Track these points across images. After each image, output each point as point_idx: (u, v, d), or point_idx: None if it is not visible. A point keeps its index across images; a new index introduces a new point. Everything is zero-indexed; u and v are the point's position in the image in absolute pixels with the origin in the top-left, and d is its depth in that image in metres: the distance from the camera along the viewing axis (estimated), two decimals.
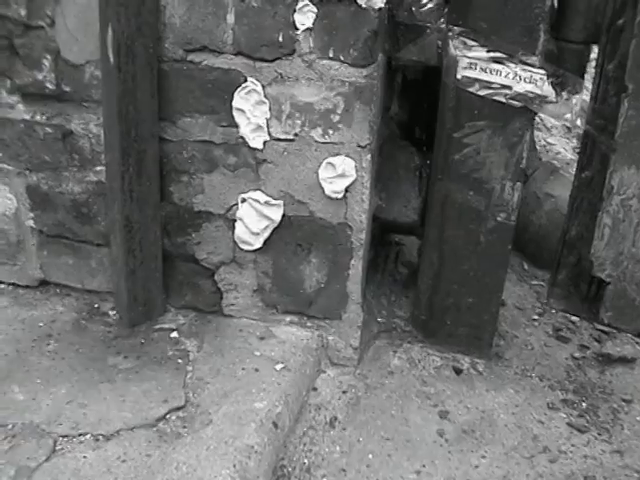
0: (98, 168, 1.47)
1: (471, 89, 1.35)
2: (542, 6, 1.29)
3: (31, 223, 1.55)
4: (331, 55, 1.30)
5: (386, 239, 1.61)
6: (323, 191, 1.38)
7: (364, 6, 1.27)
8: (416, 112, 1.63)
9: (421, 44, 1.38)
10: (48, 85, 1.43)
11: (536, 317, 1.65)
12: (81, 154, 1.47)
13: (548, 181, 1.76)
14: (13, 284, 1.62)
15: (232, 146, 1.38)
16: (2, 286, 1.63)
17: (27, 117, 1.47)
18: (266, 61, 1.32)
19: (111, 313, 1.55)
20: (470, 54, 1.33)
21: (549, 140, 2.41)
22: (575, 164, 1.50)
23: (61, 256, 1.57)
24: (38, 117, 1.47)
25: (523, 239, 1.73)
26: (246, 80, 1.33)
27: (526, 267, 1.82)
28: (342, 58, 1.30)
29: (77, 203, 1.51)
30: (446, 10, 1.39)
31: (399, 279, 1.62)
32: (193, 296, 1.53)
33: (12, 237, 1.58)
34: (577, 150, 2.26)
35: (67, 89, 1.43)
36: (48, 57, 1.42)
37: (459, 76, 1.35)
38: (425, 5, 1.40)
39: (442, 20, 1.38)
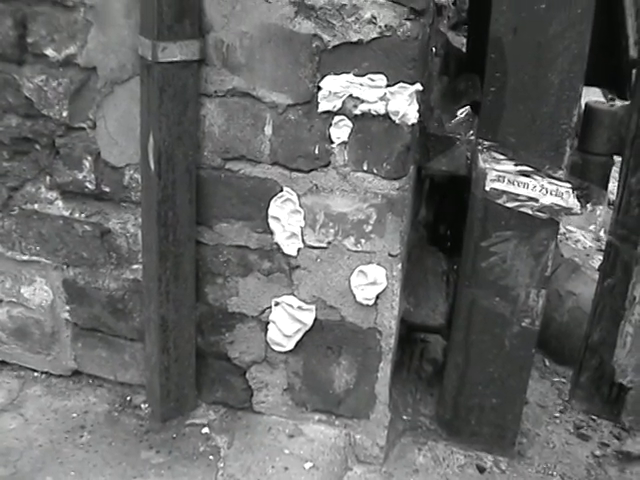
0: (135, 266, 1.41)
1: (499, 201, 1.30)
2: (568, 122, 1.26)
3: (66, 315, 1.49)
4: (365, 168, 1.27)
5: (412, 336, 1.56)
6: (354, 297, 1.31)
7: (398, 122, 1.23)
8: (442, 213, 1.60)
9: (451, 155, 1.35)
10: (88, 185, 1.39)
11: (557, 414, 1.56)
12: (118, 252, 1.42)
13: (570, 279, 1.71)
14: (47, 373, 1.55)
15: (267, 252, 1.32)
16: (36, 374, 1.55)
17: (66, 214, 1.43)
18: (302, 172, 1.27)
19: (143, 406, 1.47)
20: (499, 167, 1.30)
21: (568, 227, 2.36)
22: (596, 256, 1.47)
23: (95, 349, 1.50)
24: (77, 214, 1.42)
25: (545, 336, 1.65)
26: (282, 190, 1.29)
27: (548, 364, 1.72)
28: (375, 171, 1.26)
29: (113, 299, 1.45)
30: (475, 122, 1.38)
31: (424, 377, 1.55)
32: (224, 392, 1.45)
33: (47, 328, 1.51)
34: (596, 238, 2.21)
35: (106, 189, 1.38)
36: (88, 158, 1.38)
37: (488, 188, 1.31)
38: (455, 117, 1.39)
39: (471, 132, 1.36)
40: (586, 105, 1.30)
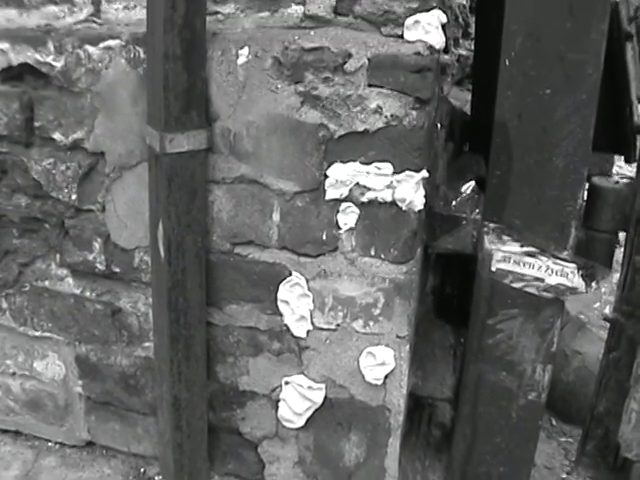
0: (146, 344, 1.41)
1: (505, 281, 1.30)
2: (574, 205, 1.25)
3: (79, 389, 1.49)
4: (372, 253, 1.26)
5: (419, 402, 1.56)
6: (363, 377, 1.30)
7: (404, 209, 1.23)
8: (449, 275, 1.60)
9: (457, 235, 1.35)
10: (98, 265, 1.39)
11: (564, 476, 1.57)
12: (129, 330, 1.42)
13: (576, 338, 1.71)
14: (60, 443, 1.55)
15: (277, 333, 1.32)
16: (50, 444, 1.56)
17: (77, 292, 1.43)
18: (310, 257, 1.27)
19: (157, 478, 1.48)
20: (504, 248, 1.30)
21: None
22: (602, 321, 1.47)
23: (108, 422, 1.50)
24: (88, 293, 1.42)
25: (551, 396, 1.64)
26: (291, 274, 1.29)
27: (554, 423, 1.73)
28: (383, 256, 1.25)
29: (125, 375, 1.44)
30: (481, 199, 1.38)
31: (432, 442, 1.55)
32: (236, 465, 1.45)
33: (60, 401, 1.52)
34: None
35: (117, 270, 1.38)
36: (98, 240, 1.38)
37: (494, 268, 1.31)
38: (460, 194, 1.39)
39: (477, 211, 1.36)
40: (591, 182, 1.30)
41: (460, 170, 1.44)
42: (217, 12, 1.25)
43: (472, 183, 1.35)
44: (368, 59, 1.17)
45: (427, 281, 1.46)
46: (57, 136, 1.32)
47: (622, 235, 1.33)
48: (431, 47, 1.18)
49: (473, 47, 1.62)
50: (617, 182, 1.30)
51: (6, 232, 1.43)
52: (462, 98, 1.76)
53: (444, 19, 1.21)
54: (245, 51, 1.21)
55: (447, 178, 1.42)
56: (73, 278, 1.42)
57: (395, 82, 1.17)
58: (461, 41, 1.86)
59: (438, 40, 1.19)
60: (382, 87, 1.17)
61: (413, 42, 1.17)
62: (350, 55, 1.17)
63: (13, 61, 1.31)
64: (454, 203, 1.31)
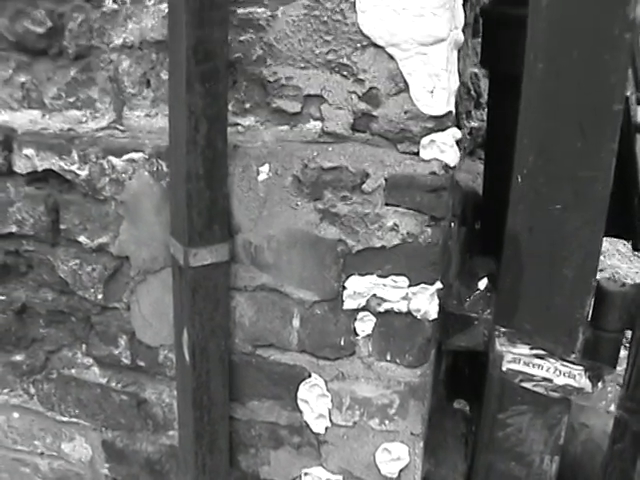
0: (170, 433, 1.48)
1: (515, 380, 1.37)
2: (582, 312, 1.32)
3: (106, 471, 1.57)
4: (388, 358, 1.33)
5: None
6: (379, 471, 1.38)
7: (419, 318, 1.30)
8: (460, 358, 1.68)
9: (469, 334, 1.42)
10: (124, 360, 1.46)
11: None
12: (154, 420, 1.49)
13: (583, 411, 1.78)
14: None
15: (296, 428, 1.39)
16: None
17: (103, 381, 1.50)
18: (329, 360, 1.34)
19: None
20: (515, 350, 1.37)
21: None
22: None
23: None
24: (113, 383, 1.49)
25: (559, 469, 1.75)
26: (310, 375, 1.36)
27: None
28: (398, 361, 1.32)
29: (150, 461, 1.52)
30: (492, 298, 1.45)
31: None
32: None
33: None
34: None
35: (142, 364, 1.45)
36: (124, 337, 1.45)
37: (504, 368, 1.38)
38: (473, 292, 1.45)
39: (488, 311, 1.43)
40: (599, 285, 1.36)
41: (472, 267, 1.50)
42: (237, 124, 1.30)
43: (484, 281, 1.42)
44: (385, 179, 1.23)
45: (440, 371, 1.54)
46: (82, 239, 1.38)
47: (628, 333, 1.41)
48: (446, 166, 1.23)
49: (485, 135, 1.67)
50: (623, 284, 1.37)
51: (33, 322, 1.50)
52: (474, 170, 1.81)
53: (459, 135, 1.27)
54: (265, 168, 1.27)
55: (459, 274, 1.48)
56: (99, 368, 1.50)
57: (411, 201, 1.23)
58: (473, 112, 1.91)
59: (453, 158, 1.25)
60: (398, 206, 1.23)
61: (428, 161, 1.23)
62: (368, 175, 1.23)
63: (38, 167, 1.37)
64: (467, 303, 1.38)
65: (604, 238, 1.34)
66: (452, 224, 1.43)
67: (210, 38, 1.20)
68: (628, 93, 1.50)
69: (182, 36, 1.19)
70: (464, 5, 1.31)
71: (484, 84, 1.99)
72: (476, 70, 1.92)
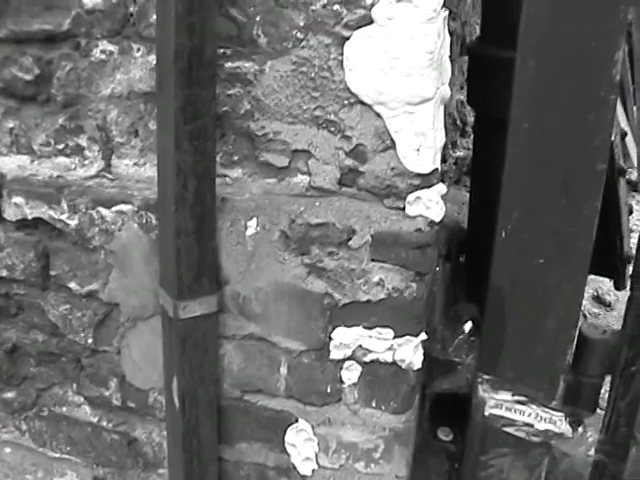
0: (161, 471, 1.53)
1: (497, 424, 1.41)
2: (562, 360, 1.36)
3: None
4: (373, 405, 1.36)
5: None
6: None
7: (404, 367, 1.34)
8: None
9: (453, 378, 1.46)
10: (114, 401, 1.49)
11: None
12: (145, 458, 1.53)
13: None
14: None
15: (284, 469, 1.43)
16: None
17: (94, 420, 1.54)
18: (315, 406, 1.37)
19: None
20: (497, 396, 1.40)
21: None
22: None
23: None
24: (104, 423, 1.53)
25: None
26: (297, 420, 1.39)
27: None
28: (383, 408, 1.36)
29: None
30: (475, 343, 1.48)
31: None
32: None
33: None
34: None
35: (132, 405, 1.49)
36: (114, 379, 1.48)
37: (487, 413, 1.42)
38: (457, 336, 1.49)
39: (471, 356, 1.47)
40: (580, 332, 1.40)
41: (456, 310, 1.53)
42: (225, 175, 1.32)
43: (468, 325, 1.46)
44: (371, 236, 1.25)
45: (424, 411, 1.58)
46: (73, 285, 1.41)
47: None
48: (432, 222, 1.26)
49: (471, 170, 1.69)
50: (605, 331, 1.41)
51: (24, 361, 1.53)
52: (459, 200, 1.84)
53: (444, 191, 1.29)
54: (253, 223, 1.29)
55: (444, 316, 1.52)
56: (90, 407, 1.53)
57: (397, 258, 1.26)
58: (459, 141, 1.93)
59: (439, 214, 1.27)
60: (384, 262, 1.26)
61: (414, 217, 1.26)
62: (354, 231, 1.26)
63: (28, 215, 1.38)
64: (451, 348, 1.42)
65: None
66: (437, 268, 1.46)
67: (198, 97, 1.22)
68: (612, 137, 1.53)
69: (170, 96, 1.21)
70: (450, 50, 1.34)
71: (470, 109, 2.02)
72: (462, 97, 1.94)
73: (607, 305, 2.96)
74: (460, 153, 1.94)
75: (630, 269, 1.52)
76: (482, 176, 1.68)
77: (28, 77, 1.37)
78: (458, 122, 1.94)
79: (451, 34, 1.42)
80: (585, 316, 2.41)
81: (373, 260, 1.27)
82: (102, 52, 1.33)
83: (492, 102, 1.55)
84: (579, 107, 1.21)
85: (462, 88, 2.04)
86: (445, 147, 1.47)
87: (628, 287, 1.54)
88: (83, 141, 1.38)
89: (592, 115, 1.21)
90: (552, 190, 1.26)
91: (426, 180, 1.24)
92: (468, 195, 1.80)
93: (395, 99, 1.22)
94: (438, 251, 1.46)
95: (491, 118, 1.57)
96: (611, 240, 1.54)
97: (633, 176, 3.33)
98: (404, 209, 1.26)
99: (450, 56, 1.34)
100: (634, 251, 1.49)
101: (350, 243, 1.26)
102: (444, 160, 1.57)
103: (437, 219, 1.27)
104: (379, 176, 1.26)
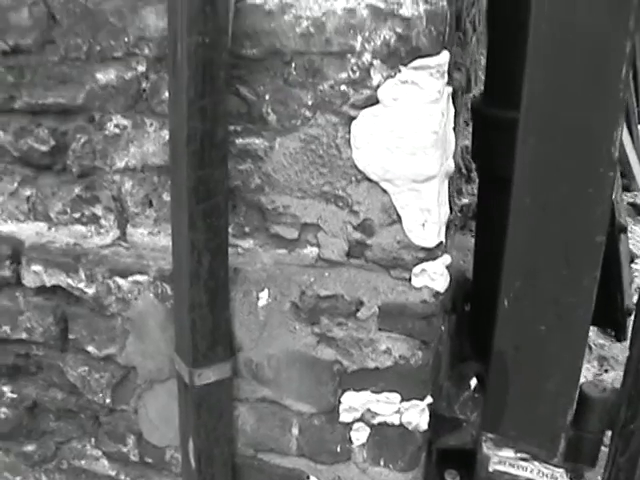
0: None
1: None
2: (564, 420, 1.41)
3: None
4: (382, 464, 1.43)
5: None
6: None
7: (411, 429, 1.40)
8: None
9: (458, 435, 1.53)
10: (132, 457, 1.57)
11: None
12: None
13: None
14: None
15: None
16: None
17: (112, 473, 1.62)
18: (326, 464, 1.44)
19: None
20: (500, 453, 1.46)
21: None
22: None
23: None
24: (122, 476, 1.61)
25: None
26: (308, 477, 1.46)
27: None
28: (391, 466, 1.43)
29: None
30: (480, 400, 1.54)
31: None
32: None
33: None
34: None
35: (149, 460, 1.56)
36: (132, 436, 1.55)
37: (491, 469, 1.48)
38: (463, 392, 1.55)
39: (476, 413, 1.53)
40: (581, 390, 1.46)
41: (462, 369, 1.59)
42: (237, 246, 1.38)
43: (474, 382, 1.52)
44: (378, 307, 1.31)
45: (431, 464, 1.64)
46: (91, 349, 1.47)
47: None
48: (437, 293, 1.32)
49: (475, 223, 1.74)
50: (604, 389, 1.46)
51: (43, 416, 1.60)
52: (465, 246, 1.89)
53: (449, 261, 1.35)
54: (265, 294, 1.35)
55: (450, 373, 1.58)
56: (108, 461, 1.60)
57: (403, 328, 1.32)
58: (464, 189, 1.98)
59: (443, 285, 1.33)
60: (391, 331, 1.33)
61: (420, 289, 1.32)
62: (362, 303, 1.32)
63: (46, 282, 1.45)
64: (456, 405, 1.48)
65: None
66: (442, 327, 1.52)
67: (211, 177, 1.28)
68: (614, 195, 1.59)
69: (183, 176, 1.26)
70: (454, 104, 1.39)
71: None
72: (467, 142, 1.98)
73: (613, 335, 3.01)
74: (465, 200, 2.00)
75: (631, 322, 1.59)
76: (486, 227, 1.74)
77: (44, 148, 1.43)
78: (463, 170, 1.99)
79: (455, 92, 1.48)
80: (590, 347, 2.46)
81: (380, 330, 1.33)
82: (116, 126, 1.39)
83: (495, 161, 1.60)
84: (579, 182, 1.26)
85: (467, 137, 2.08)
86: (450, 197, 1.52)
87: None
88: (99, 210, 1.44)
89: (591, 190, 1.26)
90: (553, 261, 1.31)
91: (431, 253, 1.30)
92: (473, 241, 1.86)
93: (401, 177, 1.27)
94: (444, 307, 1.52)
95: (495, 175, 1.62)
96: (612, 294, 1.60)
97: (638, 200, 3.39)
98: (410, 280, 1.32)
99: (454, 127, 1.40)
100: (634, 304, 1.56)
101: (358, 314, 1.32)
102: (450, 210, 1.61)
103: (442, 290, 1.33)
104: (386, 249, 1.32)
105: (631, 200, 3.42)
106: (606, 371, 2.27)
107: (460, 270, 1.76)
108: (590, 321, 1.35)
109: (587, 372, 2.37)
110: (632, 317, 1.51)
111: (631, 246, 2.93)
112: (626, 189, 3.54)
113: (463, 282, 1.73)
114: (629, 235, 3.21)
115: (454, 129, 1.39)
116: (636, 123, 3.45)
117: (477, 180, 1.81)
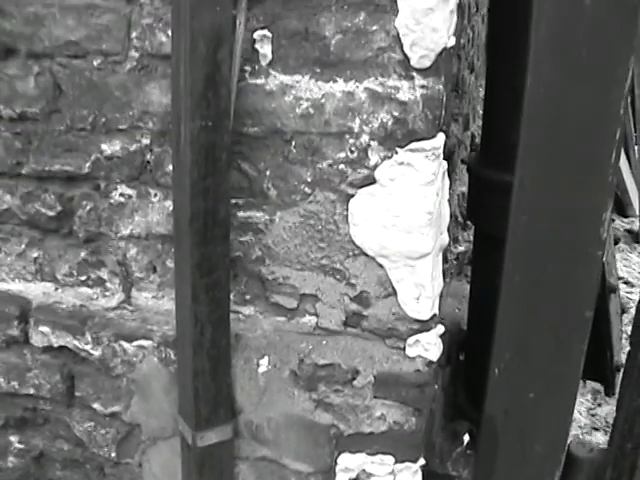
0: None
1: None
2: (554, 463, 1.51)
3: None
4: None
5: None
6: None
7: None
8: None
9: None
10: None
11: None
12: None
13: None
14: None
15: None
16: None
17: None
18: None
19: None
20: None
21: None
22: None
23: None
24: None
25: None
26: None
27: None
28: None
29: None
30: (471, 456, 1.61)
31: None
32: None
33: None
34: None
35: None
36: None
37: None
38: (455, 450, 1.62)
39: (467, 470, 1.60)
40: (569, 451, 1.53)
41: (454, 427, 1.66)
42: (239, 312, 1.44)
43: (466, 439, 1.58)
44: (374, 376, 1.38)
45: None
46: (97, 406, 1.54)
47: None
48: (430, 362, 1.38)
49: (470, 286, 1.80)
50: (592, 449, 1.53)
51: (50, 465, 1.67)
52: (460, 293, 1.95)
53: (442, 330, 1.41)
54: (265, 361, 1.41)
55: (443, 425, 1.65)
56: None
57: (397, 395, 1.39)
58: (460, 236, 2.03)
59: (436, 354, 1.39)
60: (386, 398, 1.39)
61: (413, 358, 1.38)
62: (358, 372, 1.38)
63: (54, 343, 1.51)
64: (449, 462, 1.55)
65: None
66: (436, 385, 1.59)
67: (213, 254, 1.33)
68: (604, 257, 1.64)
69: (187, 252, 1.32)
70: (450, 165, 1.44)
71: None
72: (464, 189, 2.03)
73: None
74: (461, 248, 2.05)
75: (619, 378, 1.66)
76: (480, 279, 1.80)
77: (51, 213, 1.48)
78: (459, 218, 2.04)
79: (450, 151, 1.53)
80: (584, 380, 2.52)
81: (376, 397, 1.39)
82: (121, 195, 1.44)
83: (489, 221, 1.66)
84: (568, 262, 1.32)
85: (464, 184, 2.12)
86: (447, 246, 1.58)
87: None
88: (104, 274, 1.50)
89: (581, 269, 1.32)
90: (542, 335, 1.37)
91: (425, 325, 1.36)
92: (469, 287, 1.91)
93: (396, 253, 1.33)
94: (439, 361, 1.59)
95: (489, 235, 1.68)
96: (601, 350, 1.66)
97: (635, 226, 3.43)
98: (404, 349, 1.39)
99: (449, 200, 1.45)
100: (623, 361, 1.62)
101: (354, 383, 1.38)
102: (445, 260, 1.67)
103: (435, 359, 1.39)
104: (381, 320, 1.38)
105: (628, 227, 3.48)
106: (599, 405, 2.34)
107: (455, 320, 1.82)
108: (578, 389, 1.42)
109: (580, 406, 2.44)
110: (621, 373, 1.59)
111: (627, 274, 2.99)
112: (623, 214, 3.59)
113: (457, 333, 1.79)
114: (625, 262, 3.29)
115: (449, 200, 1.45)
116: (634, 148, 3.49)
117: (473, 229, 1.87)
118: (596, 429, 2.26)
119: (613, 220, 3.57)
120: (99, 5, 1.36)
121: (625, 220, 3.60)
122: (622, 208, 3.58)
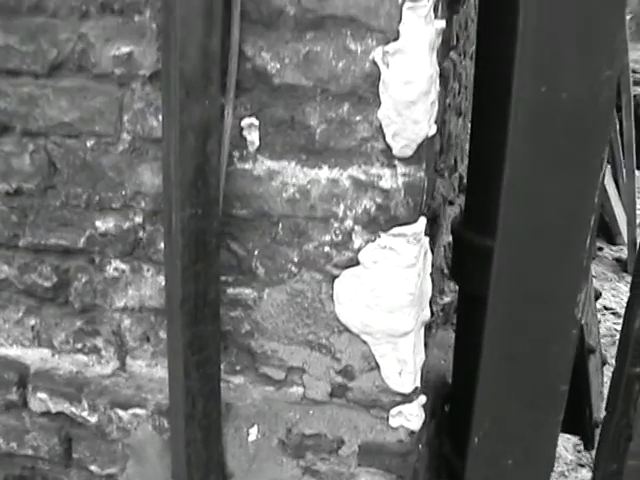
0: None
1: None
2: None
3: None
4: None
5: None
6: None
7: None
8: None
9: None
10: None
11: None
12: None
13: None
14: None
15: None
16: None
17: None
18: None
19: None
20: None
21: None
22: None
23: None
24: None
25: None
26: None
27: None
28: None
29: None
30: None
31: None
32: None
33: None
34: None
35: None
36: None
37: None
38: None
39: None
40: None
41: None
42: (229, 381, 1.51)
43: None
44: (358, 446, 1.45)
45: None
46: (93, 468, 1.61)
47: None
48: (412, 432, 1.46)
49: (455, 340, 1.87)
50: None
51: None
52: (445, 343, 2.01)
53: (424, 400, 1.48)
54: (254, 430, 1.49)
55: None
56: None
57: (381, 464, 1.46)
58: (446, 287, 2.10)
59: (418, 424, 1.47)
60: (370, 466, 1.47)
61: (396, 428, 1.45)
62: (343, 442, 1.46)
63: (52, 409, 1.58)
64: None
65: None
66: (420, 446, 1.66)
67: (204, 332, 1.40)
68: (584, 319, 1.71)
69: (179, 333, 1.39)
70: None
71: None
72: (450, 239, 2.09)
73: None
74: (447, 299, 2.12)
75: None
76: (464, 336, 1.86)
77: (47, 284, 1.55)
78: (445, 270, 2.11)
79: (435, 215, 1.59)
80: None
81: (360, 465, 1.47)
82: (115, 269, 1.51)
83: (471, 282, 1.73)
84: (544, 340, 1.39)
85: (450, 234, 2.18)
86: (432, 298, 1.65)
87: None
88: (100, 342, 1.57)
89: (555, 347, 1.40)
90: (519, 405, 1.45)
91: (407, 397, 1.44)
92: (454, 336, 1.98)
93: (379, 331, 1.40)
94: (424, 420, 1.66)
95: (471, 293, 1.74)
96: (582, 410, 1.73)
97: (623, 254, 3.49)
98: (388, 419, 1.46)
99: (431, 274, 1.52)
100: (602, 415, 1.70)
101: (340, 452, 1.46)
102: (432, 314, 1.73)
103: (417, 428, 1.46)
104: (365, 391, 1.45)
105: (616, 255, 3.55)
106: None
107: (440, 372, 1.89)
108: (555, 457, 1.50)
109: (567, 442, 2.53)
110: (599, 430, 1.67)
111: (615, 304, 3.06)
112: (611, 243, 3.65)
113: (442, 386, 1.86)
114: (613, 292, 3.36)
115: (431, 274, 1.51)
116: (622, 175, 3.54)
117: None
118: (581, 465, 2.34)
119: (601, 249, 3.66)
120: (92, 88, 1.42)
121: (614, 248, 3.67)
122: (610, 236, 3.65)
